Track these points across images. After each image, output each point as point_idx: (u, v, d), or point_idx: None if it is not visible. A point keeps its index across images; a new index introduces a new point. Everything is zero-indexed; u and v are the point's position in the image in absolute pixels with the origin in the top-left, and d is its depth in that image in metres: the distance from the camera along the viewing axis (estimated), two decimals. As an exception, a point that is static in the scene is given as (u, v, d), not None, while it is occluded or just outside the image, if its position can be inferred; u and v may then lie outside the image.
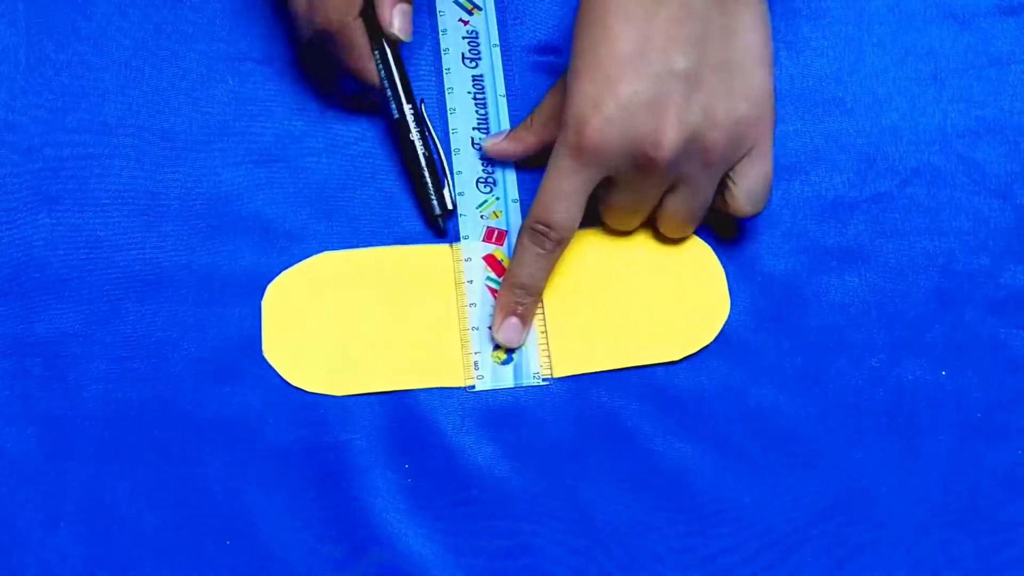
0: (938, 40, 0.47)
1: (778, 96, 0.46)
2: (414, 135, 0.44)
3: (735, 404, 0.44)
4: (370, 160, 0.46)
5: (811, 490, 0.43)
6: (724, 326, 0.44)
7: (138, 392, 0.44)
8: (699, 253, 0.45)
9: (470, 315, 0.44)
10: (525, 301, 0.43)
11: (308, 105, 0.46)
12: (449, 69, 0.47)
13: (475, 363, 0.44)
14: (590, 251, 0.45)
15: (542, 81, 0.47)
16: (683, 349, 0.44)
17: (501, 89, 0.46)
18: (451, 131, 0.46)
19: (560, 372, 0.44)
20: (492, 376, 0.44)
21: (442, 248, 0.45)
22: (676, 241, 0.44)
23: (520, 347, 0.44)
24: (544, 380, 0.44)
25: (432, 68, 0.47)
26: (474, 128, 0.46)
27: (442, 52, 0.47)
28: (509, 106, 0.47)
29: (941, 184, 0.46)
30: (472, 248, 0.45)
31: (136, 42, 0.46)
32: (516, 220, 0.45)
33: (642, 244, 0.45)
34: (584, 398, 0.44)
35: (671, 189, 0.41)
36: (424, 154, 0.44)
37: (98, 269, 0.45)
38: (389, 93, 0.44)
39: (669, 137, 0.38)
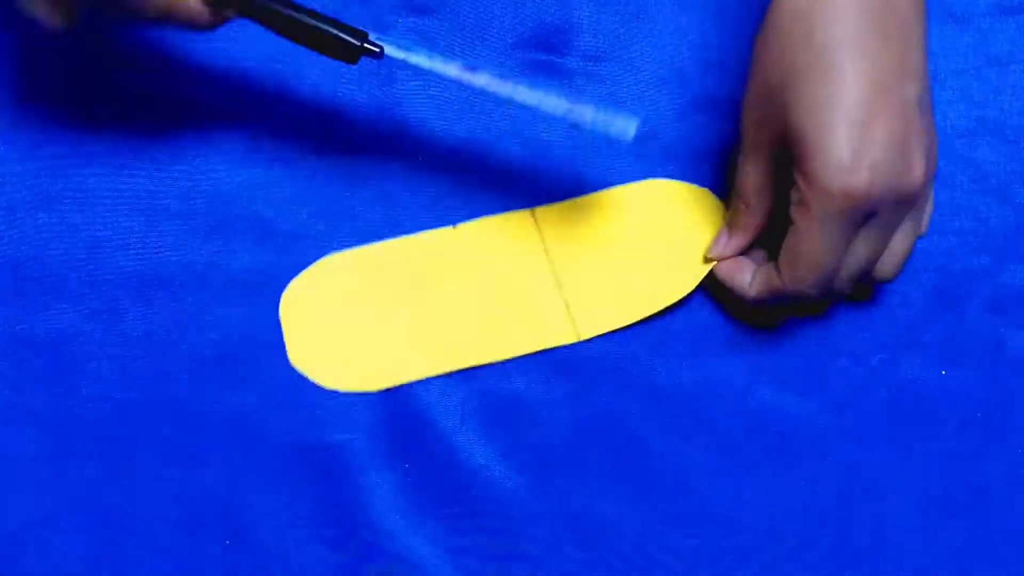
0: (937, 40, 0.47)
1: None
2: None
3: (735, 404, 0.44)
4: (370, 159, 0.46)
5: (811, 490, 0.43)
6: (722, 327, 0.44)
7: (138, 392, 0.44)
8: (697, 191, 0.45)
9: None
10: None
11: (308, 105, 0.46)
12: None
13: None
14: (594, 218, 0.45)
15: (540, 82, 0.47)
16: (693, 279, 0.43)
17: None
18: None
19: (588, 333, 0.44)
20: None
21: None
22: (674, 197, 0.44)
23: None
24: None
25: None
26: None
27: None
28: (509, 111, 0.46)
29: (941, 184, 0.46)
30: None
31: (136, 42, 0.46)
32: None
33: (638, 204, 0.45)
34: (584, 398, 0.44)
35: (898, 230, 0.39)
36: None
37: (98, 268, 0.45)
38: None
39: (920, 166, 0.37)
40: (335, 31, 0.38)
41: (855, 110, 0.35)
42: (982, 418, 0.43)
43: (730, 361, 0.44)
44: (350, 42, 0.39)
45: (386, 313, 0.44)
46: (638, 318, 0.44)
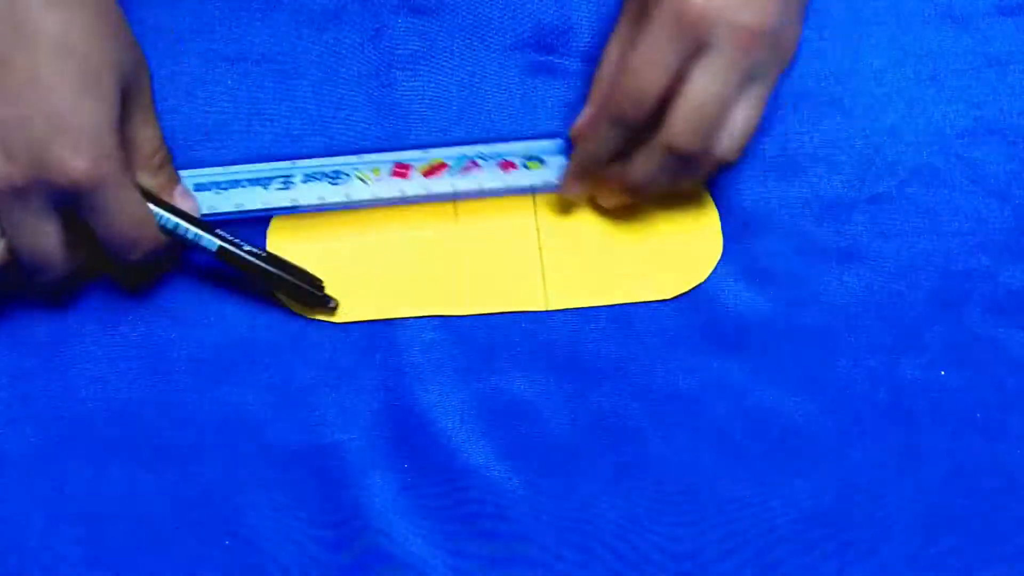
0: (937, 41, 0.47)
1: (776, 97, 0.47)
2: (245, 249, 0.42)
3: (735, 404, 0.44)
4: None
5: (811, 490, 0.43)
6: (722, 327, 0.44)
7: (137, 392, 0.44)
8: (693, 193, 0.45)
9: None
10: (592, 174, 0.42)
11: (307, 106, 0.46)
12: None
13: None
14: (587, 208, 0.45)
15: (540, 83, 0.47)
16: (676, 287, 0.45)
17: None
18: None
19: (556, 305, 0.44)
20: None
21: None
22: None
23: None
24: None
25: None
26: None
27: None
28: (509, 111, 0.46)
29: (940, 184, 0.46)
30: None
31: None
32: None
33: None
34: (582, 398, 0.44)
35: (744, 86, 0.39)
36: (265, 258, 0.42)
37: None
38: (190, 235, 0.41)
39: (770, 12, 0.38)
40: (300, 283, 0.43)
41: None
42: (981, 419, 0.43)
43: (729, 362, 0.44)
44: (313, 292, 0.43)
45: (369, 251, 0.45)
46: (608, 302, 0.45)
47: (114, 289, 0.44)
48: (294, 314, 0.44)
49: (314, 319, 0.44)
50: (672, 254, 0.45)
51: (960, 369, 0.44)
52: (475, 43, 0.47)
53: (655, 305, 0.45)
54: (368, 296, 0.44)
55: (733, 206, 0.45)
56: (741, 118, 0.39)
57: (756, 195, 0.46)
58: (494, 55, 0.47)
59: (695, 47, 0.38)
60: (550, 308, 0.45)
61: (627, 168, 0.41)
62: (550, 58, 0.47)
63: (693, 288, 0.45)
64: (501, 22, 0.47)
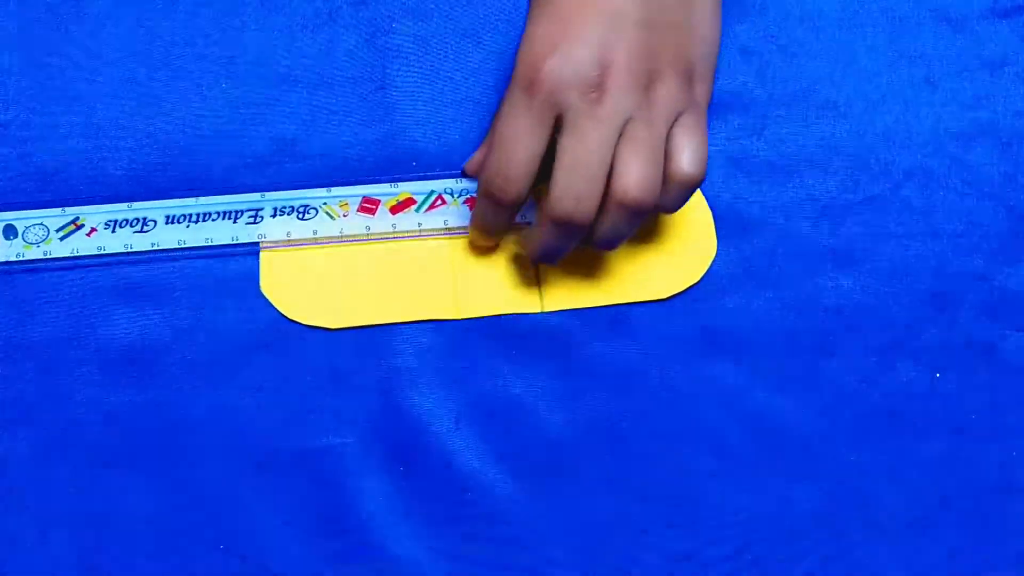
0: (931, 43, 0.47)
1: (772, 98, 0.46)
2: None
3: (729, 406, 0.44)
4: (364, 164, 0.46)
5: (806, 492, 0.43)
6: (717, 329, 0.44)
7: (131, 396, 0.43)
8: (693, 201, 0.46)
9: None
10: (491, 242, 0.44)
11: (301, 109, 0.46)
12: None
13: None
14: None
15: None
16: (671, 288, 0.45)
17: None
18: None
19: (551, 307, 0.44)
20: None
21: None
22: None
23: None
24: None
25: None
26: None
27: None
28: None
29: (934, 186, 0.46)
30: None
31: (129, 45, 0.46)
32: None
33: None
34: (578, 401, 0.44)
35: (623, 138, 0.39)
36: None
37: (91, 272, 0.44)
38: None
39: (620, 67, 0.38)
40: None
41: (562, 9, 0.39)
42: (976, 421, 0.43)
43: (724, 363, 0.44)
44: None
45: (363, 258, 0.45)
46: (603, 303, 0.45)
47: (107, 291, 0.44)
48: (289, 317, 0.44)
49: (309, 324, 0.44)
50: (667, 255, 0.45)
51: (954, 371, 0.44)
52: (469, 45, 0.47)
53: (650, 307, 0.45)
54: (362, 303, 0.44)
55: (728, 207, 0.46)
56: (630, 159, 0.39)
57: (751, 196, 0.46)
58: (490, 57, 0.47)
59: (553, 112, 0.39)
60: (545, 311, 0.45)
61: (525, 238, 0.43)
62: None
63: (688, 289, 0.45)
64: (496, 25, 0.47)
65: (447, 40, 0.47)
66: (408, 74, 0.47)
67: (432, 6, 0.46)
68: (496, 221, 0.42)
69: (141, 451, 0.43)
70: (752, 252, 0.45)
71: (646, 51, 0.39)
